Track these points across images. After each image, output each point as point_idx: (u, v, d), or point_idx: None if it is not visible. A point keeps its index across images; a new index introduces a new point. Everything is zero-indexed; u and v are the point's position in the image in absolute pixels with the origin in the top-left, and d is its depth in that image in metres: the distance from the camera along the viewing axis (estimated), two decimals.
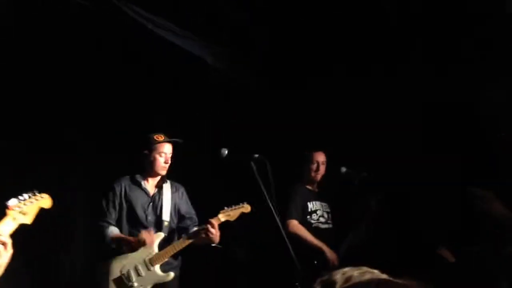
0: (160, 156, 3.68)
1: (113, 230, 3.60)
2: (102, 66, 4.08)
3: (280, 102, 4.96)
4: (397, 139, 4.81)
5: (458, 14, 4.17)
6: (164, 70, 4.31)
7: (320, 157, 4.43)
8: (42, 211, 2.40)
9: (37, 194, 2.43)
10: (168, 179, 3.82)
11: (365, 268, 1.33)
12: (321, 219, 4.34)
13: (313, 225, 4.28)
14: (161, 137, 3.71)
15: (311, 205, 4.35)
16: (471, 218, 4.39)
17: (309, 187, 4.44)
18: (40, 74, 3.92)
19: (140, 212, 3.67)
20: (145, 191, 3.75)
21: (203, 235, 3.51)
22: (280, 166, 4.03)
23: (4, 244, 2.09)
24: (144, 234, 3.49)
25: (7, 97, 3.78)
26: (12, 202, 2.29)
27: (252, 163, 3.15)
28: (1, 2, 3.27)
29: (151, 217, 3.68)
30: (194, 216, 3.85)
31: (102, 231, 3.58)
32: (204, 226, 3.52)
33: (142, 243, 3.50)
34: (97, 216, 3.65)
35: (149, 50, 4.05)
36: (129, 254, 3.52)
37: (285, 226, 3.92)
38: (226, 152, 3.30)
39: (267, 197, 3.09)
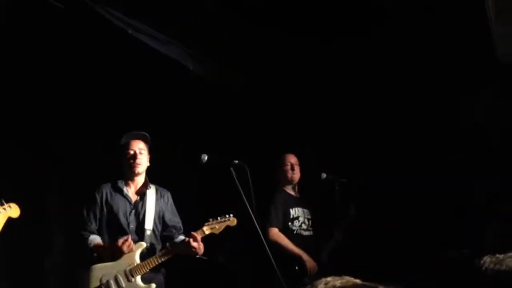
0: (128, 154, 3.58)
1: (94, 239, 3.50)
2: (83, 71, 4.04)
3: (261, 105, 4.97)
4: (380, 141, 4.85)
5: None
6: (145, 76, 4.29)
7: (292, 159, 4.46)
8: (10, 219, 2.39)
9: (4, 203, 2.39)
10: (153, 183, 3.72)
11: (347, 278, 1.32)
12: (303, 226, 4.34)
13: (295, 232, 4.28)
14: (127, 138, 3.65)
15: (293, 212, 4.34)
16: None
17: (290, 192, 4.45)
18: (19, 78, 3.87)
19: (122, 220, 3.56)
20: (127, 198, 3.63)
21: (186, 248, 3.40)
22: (261, 171, 4.06)
23: None
24: (121, 242, 3.36)
25: None
26: None
27: (232, 169, 3.15)
28: None
29: (133, 225, 3.56)
30: (179, 224, 3.72)
31: (83, 241, 3.48)
32: (186, 239, 3.42)
33: (119, 251, 3.37)
34: (79, 225, 3.55)
35: (130, 55, 4.02)
36: (110, 263, 3.41)
37: (266, 233, 3.91)
38: (206, 157, 3.29)
39: (246, 203, 3.08)
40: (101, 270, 3.40)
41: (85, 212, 3.55)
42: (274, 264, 3.11)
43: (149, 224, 3.60)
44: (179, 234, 3.67)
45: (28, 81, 3.92)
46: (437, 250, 4.23)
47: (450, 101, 4.67)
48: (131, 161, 3.57)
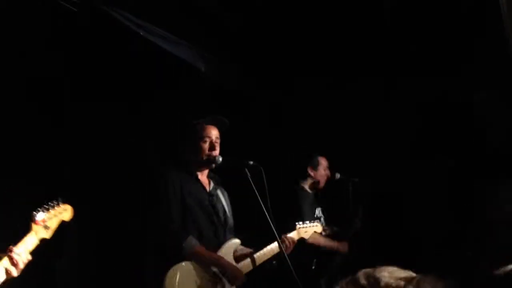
0: (205, 142, 3.20)
1: (194, 242, 3.00)
2: (94, 73, 4.03)
3: (272, 107, 4.97)
4: (390, 142, 4.84)
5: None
6: (156, 76, 4.28)
7: (327, 162, 4.48)
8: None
9: (61, 204, 2.25)
10: None
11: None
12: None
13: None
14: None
15: (317, 212, 4.37)
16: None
17: (309, 191, 4.44)
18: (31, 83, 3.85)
19: (207, 212, 3.17)
20: (202, 187, 3.24)
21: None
22: (275, 171, 4.04)
23: (15, 264, 1.97)
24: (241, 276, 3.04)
25: None
26: (39, 215, 2.13)
27: (247, 170, 3.10)
28: None
29: (218, 218, 3.21)
30: (233, 226, 3.40)
31: (175, 240, 2.97)
32: (284, 239, 3.19)
33: (235, 280, 3.03)
34: (161, 220, 3.01)
35: (141, 57, 4.01)
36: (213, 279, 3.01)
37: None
38: (221, 159, 3.24)
39: (261, 204, 3.05)
40: (195, 269, 2.99)
41: (166, 206, 3.03)
42: (289, 263, 3.07)
43: (231, 219, 3.33)
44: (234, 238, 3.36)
45: (42, 84, 3.91)
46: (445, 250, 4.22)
47: (460, 101, 4.67)
48: (208, 150, 3.21)
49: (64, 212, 2.27)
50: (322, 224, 3.80)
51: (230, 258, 3.15)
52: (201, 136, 3.24)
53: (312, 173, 4.41)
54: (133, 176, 3.98)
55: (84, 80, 3.96)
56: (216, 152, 3.24)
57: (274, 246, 3.20)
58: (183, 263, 2.97)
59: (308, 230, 3.48)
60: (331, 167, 4.47)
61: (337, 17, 4.32)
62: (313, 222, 3.57)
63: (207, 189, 3.31)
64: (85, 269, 3.97)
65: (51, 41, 3.55)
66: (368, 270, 1.31)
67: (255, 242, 3.34)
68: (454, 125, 4.81)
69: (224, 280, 3.05)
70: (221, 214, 3.27)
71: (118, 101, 4.17)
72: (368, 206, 4.45)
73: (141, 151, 4.24)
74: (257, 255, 3.20)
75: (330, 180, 4.42)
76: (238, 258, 3.21)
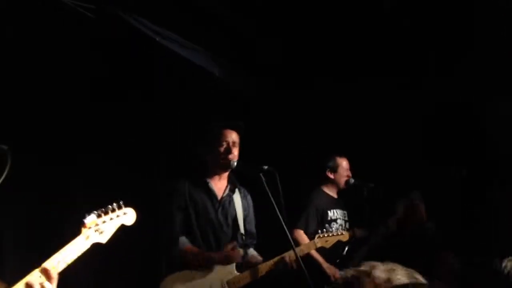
0: (221, 146, 3.24)
1: (185, 242, 3.13)
2: (107, 78, 4.07)
3: (287, 110, 4.97)
4: (406, 147, 4.82)
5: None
6: (172, 81, 4.31)
7: (347, 163, 4.44)
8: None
9: (122, 207, 2.13)
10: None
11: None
12: (340, 228, 4.20)
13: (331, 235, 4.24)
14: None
15: (331, 213, 4.32)
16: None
17: (330, 193, 4.42)
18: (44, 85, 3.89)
19: (211, 219, 3.21)
20: (212, 193, 3.27)
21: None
22: (290, 175, 4.03)
23: (49, 277, 1.83)
24: (230, 248, 3.07)
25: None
26: (89, 218, 2.01)
27: (262, 175, 3.09)
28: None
29: (224, 226, 3.25)
30: (255, 233, 3.41)
31: (171, 242, 3.11)
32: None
33: (228, 260, 3.06)
34: (164, 224, 3.19)
35: (157, 62, 4.05)
36: (201, 273, 3.07)
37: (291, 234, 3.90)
38: (235, 163, 3.26)
39: (276, 209, 3.05)
40: (193, 280, 3.05)
41: (170, 210, 3.16)
42: (303, 267, 3.06)
43: (241, 227, 3.30)
44: (252, 244, 3.39)
45: (57, 88, 3.95)
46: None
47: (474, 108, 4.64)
48: (225, 154, 3.23)
49: (123, 216, 2.13)
50: (342, 230, 3.75)
51: (229, 269, 3.13)
52: (218, 140, 3.28)
53: (332, 176, 4.40)
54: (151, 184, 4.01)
55: (101, 83, 4.02)
56: (232, 156, 3.25)
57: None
58: (178, 272, 3.05)
59: (330, 239, 3.43)
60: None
61: (353, 17, 4.31)
62: (339, 231, 3.54)
63: (220, 195, 3.33)
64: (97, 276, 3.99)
65: (68, 48, 3.59)
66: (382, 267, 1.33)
67: (270, 248, 3.35)
68: (469, 131, 4.78)
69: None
70: (229, 222, 3.29)
71: (137, 104, 4.23)
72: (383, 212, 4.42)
73: (159, 156, 4.27)
74: (262, 266, 3.18)
75: (347, 182, 4.38)
76: (249, 264, 3.23)
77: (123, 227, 2.16)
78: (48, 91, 3.55)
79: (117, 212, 2.10)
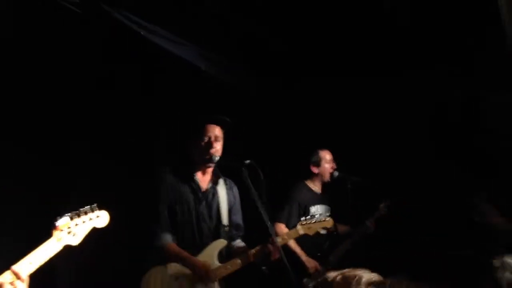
0: (203, 140, 3.28)
1: (167, 239, 3.16)
2: (93, 72, 4.07)
3: (274, 105, 4.98)
4: (395, 144, 4.85)
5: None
6: (158, 76, 4.32)
7: (330, 155, 4.47)
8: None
9: (95, 210, 2.16)
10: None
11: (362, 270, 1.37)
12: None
13: None
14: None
15: (314, 209, 4.35)
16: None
17: (313, 188, 4.45)
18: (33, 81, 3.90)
19: (193, 211, 3.25)
20: (196, 186, 3.31)
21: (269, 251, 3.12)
22: (276, 170, 4.06)
23: (20, 279, 1.85)
24: (201, 265, 3.08)
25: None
26: (61, 221, 2.04)
27: (244, 169, 3.13)
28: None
29: (207, 219, 3.28)
30: (242, 224, 3.47)
31: (153, 237, 3.13)
32: (267, 245, 3.13)
33: (196, 270, 3.08)
34: (147, 218, 3.19)
35: (142, 56, 4.05)
36: (185, 268, 3.11)
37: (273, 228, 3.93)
38: (217, 158, 3.29)
39: (258, 202, 3.07)
40: (173, 270, 3.11)
41: (155, 201, 3.20)
42: (285, 262, 3.09)
43: (225, 219, 3.35)
44: (239, 236, 3.46)
45: (43, 82, 3.95)
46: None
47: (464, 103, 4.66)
48: (207, 148, 3.27)
49: (96, 219, 2.17)
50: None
51: (211, 260, 3.19)
52: (201, 134, 3.32)
53: (316, 171, 4.43)
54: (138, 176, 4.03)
55: (90, 79, 4.02)
56: (214, 150, 3.29)
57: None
58: (160, 266, 3.09)
59: (313, 226, 3.42)
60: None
61: (341, 15, 4.32)
62: (322, 217, 3.53)
63: (204, 188, 3.36)
64: (85, 269, 4.01)
65: (53, 42, 3.59)
66: (341, 273, 1.35)
67: (252, 241, 3.38)
68: (458, 125, 4.81)
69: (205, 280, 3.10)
70: (213, 215, 3.32)
71: (124, 99, 4.23)
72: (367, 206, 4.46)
73: (147, 150, 4.28)
74: (247, 254, 3.21)
75: (331, 175, 4.41)
76: (234, 254, 3.28)
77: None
78: (34, 87, 3.55)
79: (90, 214, 2.14)
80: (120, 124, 4.20)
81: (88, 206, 2.16)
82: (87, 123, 4.00)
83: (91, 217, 2.15)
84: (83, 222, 2.12)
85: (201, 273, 3.08)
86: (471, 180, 4.51)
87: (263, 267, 3.28)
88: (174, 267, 3.13)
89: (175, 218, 3.22)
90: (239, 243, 3.43)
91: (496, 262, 1.32)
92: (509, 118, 4.52)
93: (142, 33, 3.67)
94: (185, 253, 3.13)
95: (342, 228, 4.36)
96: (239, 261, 3.17)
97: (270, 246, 3.12)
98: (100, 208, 2.22)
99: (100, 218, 2.19)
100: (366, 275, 1.36)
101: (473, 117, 4.78)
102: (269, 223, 3.09)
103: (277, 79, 4.97)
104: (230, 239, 3.40)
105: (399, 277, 1.30)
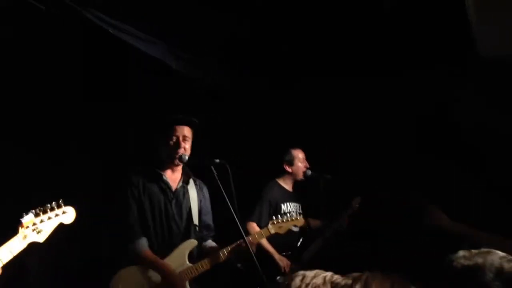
0: (172, 140, 3.29)
1: (144, 244, 3.16)
2: (63, 70, 4.01)
3: (246, 103, 4.98)
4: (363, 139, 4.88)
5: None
6: (129, 74, 4.27)
7: (303, 154, 4.50)
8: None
9: (62, 206, 2.13)
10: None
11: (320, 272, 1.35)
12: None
13: None
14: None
15: (284, 207, 4.37)
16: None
17: (285, 186, 4.47)
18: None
19: (164, 212, 3.24)
20: (166, 185, 3.30)
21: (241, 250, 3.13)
22: (248, 169, 4.06)
23: None
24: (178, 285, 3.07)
25: None
26: (26, 218, 2.02)
27: (213, 168, 3.12)
28: None
29: (178, 218, 3.28)
30: (212, 225, 3.48)
31: (128, 240, 3.14)
32: (248, 238, 3.14)
33: (166, 277, 3.07)
34: (120, 229, 3.20)
35: (112, 55, 4.00)
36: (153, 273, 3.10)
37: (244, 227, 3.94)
38: (187, 157, 3.29)
39: (228, 202, 3.07)
40: (145, 270, 3.11)
41: (125, 207, 3.20)
42: (255, 260, 3.09)
43: (195, 219, 3.34)
44: (210, 237, 3.47)
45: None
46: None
47: (431, 98, 4.72)
48: (175, 148, 3.27)
49: (63, 215, 2.15)
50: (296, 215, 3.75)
51: (181, 260, 3.19)
52: (169, 134, 3.32)
53: (289, 169, 4.45)
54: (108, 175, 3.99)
55: (56, 80, 3.96)
56: (183, 150, 3.29)
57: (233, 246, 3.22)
58: (129, 267, 3.10)
59: (284, 225, 3.45)
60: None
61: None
62: (294, 216, 3.55)
63: (174, 187, 3.36)
64: (58, 269, 3.96)
65: (19, 39, 3.53)
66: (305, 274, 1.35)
67: (223, 241, 3.37)
68: (428, 122, 4.86)
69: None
70: (183, 214, 3.32)
71: (95, 101, 4.17)
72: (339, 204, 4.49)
73: (118, 149, 4.24)
74: (219, 253, 3.22)
75: (304, 173, 4.44)
76: (205, 254, 3.27)
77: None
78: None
79: (56, 211, 2.12)
80: (90, 123, 4.16)
81: (54, 202, 2.13)
82: (58, 121, 3.96)
83: (57, 213, 2.13)
84: (49, 218, 2.09)
85: (172, 283, 3.10)
86: (445, 178, 4.58)
87: (239, 265, 3.30)
88: (145, 268, 3.13)
89: (145, 219, 3.22)
90: (210, 243, 3.44)
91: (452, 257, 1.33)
92: (479, 118, 4.59)
93: (110, 30, 3.61)
94: (159, 262, 3.12)
95: (314, 223, 4.39)
96: (210, 261, 3.18)
97: (244, 242, 3.13)
98: (66, 204, 2.20)
99: (66, 214, 2.17)
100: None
101: (444, 115, 4.84)
102: (239, 222, 3.08)
103: (251, 77, 4.96)
104: (201, 239, 3.41)
105: (374, 272, 1.30)
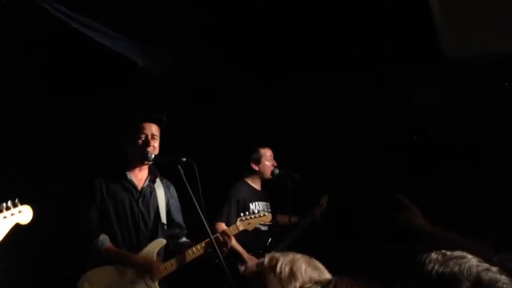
0: (139, 138, 3.23)
1: (104, 242, 3.10)
2: (26, 66, 3.88)
3: (213, 102, 4.94)
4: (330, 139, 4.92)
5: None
6: (92, 71, 4.16)
7: (271, 152, 4.49)
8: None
9: (18, 205, 2.03)
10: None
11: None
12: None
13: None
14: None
15: (252, 206, 4.35)
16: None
17: (253, 185, 4.46)
18: None
19: (130, 210, 3.19)
20: (131, 185, 3.25)
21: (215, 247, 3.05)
22: (216, 168, 4.02)
23: None
24: (154, 266, 3.05)
25: None
26: None
27: (179, 167, 3.08)
28: None
29: (146, 217, 3.22)
30: (183, 223, 3.44)
31: (89, 243, 3.08)
32: (218, 236, 3.12)
33: (145, 270, 3.04)
34: (80, 224, 3.16)
35: (76, 50, 3.89)
36: (124, 268, 3.06)
37: (213, 227, 3.91)
38: (153, 156, 3.24)
39: (194, 200, 3.03)
40: (112, 271, 3.05)
41: (84, 209, 3.15)
42: (221, 259, 3.06)
43: (163, 217, 3.29)
44: (183, 234, 3.44)
45: None
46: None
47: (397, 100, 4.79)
48: (143, 147, 3.22)
49: (19, 215, 2.05)
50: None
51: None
52: (136, 133, 3.27)
53: (257, 168, 4.43)
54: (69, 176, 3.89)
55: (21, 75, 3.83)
56: (151, 148, 3.24)
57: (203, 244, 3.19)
58: (97, 268, 3.04)
59: (252, 221, 3.44)
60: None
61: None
62: (261, 213, 3.54)
63: (140, 186, 3.31)
64: (24, 272, 3.83)
65: None
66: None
67: (191, 240, 3.36)
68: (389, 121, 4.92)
69: (146, 279, 3.06)
70: (151, 213, 3.28)
71: (62, 96, 4.06)
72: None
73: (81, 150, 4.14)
74: (187, 252, 3.18)
75: (272, 172, 4.43)
76: (177, 252, 3.24)
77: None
78: None
79: (12, 210, 2.02)
80: (53, 123, 4.05)
81: (10, 201, 2.03)
82: (20, 121, 3.83)
83: (13, 213, 2.03)
84: (4, 217, 2.00)
85: (145, 268, 3.06)
86: (410, 178, 4.65)
87: (216, 260, 3.19)
88: (111, 269, 3.07)
89: (110, 220, 3.18)
90: (185, 241, 3.42)
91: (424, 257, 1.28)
92: (439, 116, 4.66)
93: (74, 26, 3.51)
94: (124, 253, 3.11)
95: (282, 220, 4.39)
96: (176, 261, 3.16)
97: (221, 237, 3.12)
98: (23, 203, 2.11)
99: (22, 214, 2.07)
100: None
101: (406, 115, 4.91)
102: (206, 222, 3.05)
103: (220, 76, 4.92)
104: (175, 237, 3.39)
105: (341, 277, 1.27)
